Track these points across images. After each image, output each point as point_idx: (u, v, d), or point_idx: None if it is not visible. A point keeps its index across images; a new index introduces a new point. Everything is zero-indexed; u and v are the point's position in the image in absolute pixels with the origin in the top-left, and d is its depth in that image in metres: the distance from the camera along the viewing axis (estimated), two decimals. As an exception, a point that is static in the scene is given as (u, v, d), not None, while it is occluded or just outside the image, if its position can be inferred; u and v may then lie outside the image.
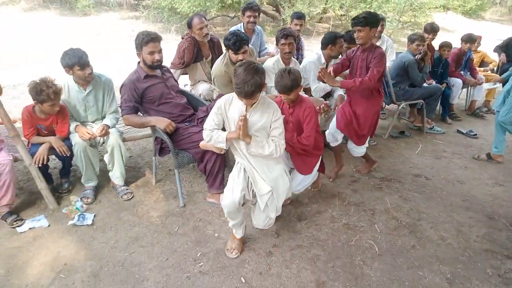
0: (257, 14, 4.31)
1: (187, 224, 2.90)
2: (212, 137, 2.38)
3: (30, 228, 2.79)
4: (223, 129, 2.44)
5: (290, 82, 2.50)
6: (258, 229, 2.81)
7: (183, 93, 3.51)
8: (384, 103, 5.33)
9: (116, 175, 3.24)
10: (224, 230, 2.82)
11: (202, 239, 2.72)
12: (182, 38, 3.90)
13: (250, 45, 3.63)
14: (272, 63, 3.66)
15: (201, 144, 2.64)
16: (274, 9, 12.17)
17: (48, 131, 3.05)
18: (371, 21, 2.98)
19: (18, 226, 2.79)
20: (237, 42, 3.23)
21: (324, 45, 3.83)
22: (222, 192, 2.68)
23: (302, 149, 2.72)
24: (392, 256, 2.64)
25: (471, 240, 2.84)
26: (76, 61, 2.93)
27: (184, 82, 4.32)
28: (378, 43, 5.20)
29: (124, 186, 3.28)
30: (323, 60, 3.87)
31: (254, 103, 2.27)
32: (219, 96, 3.30)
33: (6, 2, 13.88)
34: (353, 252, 2.66)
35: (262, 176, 2.43)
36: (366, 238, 2.81)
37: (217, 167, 3.03)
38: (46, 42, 8.80)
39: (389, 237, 2.83)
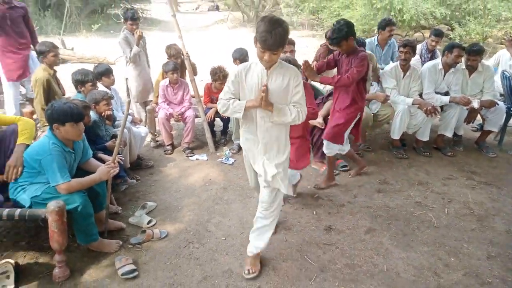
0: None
1: (292, 177, 3.95)
2: (228, 106, 2.24)
3: (196, 159, 4.36)
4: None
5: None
6: (342, 188, 3.65)
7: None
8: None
9: (255, 139, 4.57)
10: (313, 183, 3.77)
11: (299, 186, 3.71)
12: (320, 46, 4.96)
13: (369, 51, 4.41)
14: (390, 67, 4.35)
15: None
16: (449, 28, 11.96)
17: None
18: (344, 34, 3.13)
19: (190, 156, 4.39)
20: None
21: (442, 52, 4.28)
22: (323, 162, 3.84)
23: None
24: (447, 229, 3.06)
25: (542, 241, 2.95)
26: (238, 56, 4.41)
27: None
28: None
29: (258, 147, 4.57)
30: (440, 67, 4.29)
31: (273, 65, 2.16)
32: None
33: (218, 22, 17.80)
34: (412, 220, 3.20)
35: (269, 158, 2.33)
36: (430, 214, 3.27)
37: (320, 141, 3.97)
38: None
39: (454, 219, 3.22)
